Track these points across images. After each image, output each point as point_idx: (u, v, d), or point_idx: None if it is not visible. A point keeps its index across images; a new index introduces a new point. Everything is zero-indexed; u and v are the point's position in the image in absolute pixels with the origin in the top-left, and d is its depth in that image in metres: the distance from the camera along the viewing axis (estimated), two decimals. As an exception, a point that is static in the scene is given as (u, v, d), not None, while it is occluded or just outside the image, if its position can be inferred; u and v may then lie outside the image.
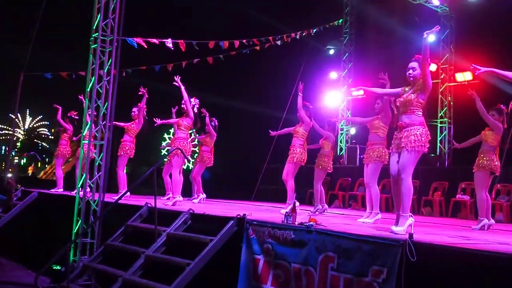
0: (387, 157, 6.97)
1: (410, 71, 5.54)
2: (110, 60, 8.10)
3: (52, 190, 10.88)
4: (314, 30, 15.22)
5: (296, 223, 5.47)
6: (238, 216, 5.91)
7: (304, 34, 14.88)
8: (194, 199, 10.15)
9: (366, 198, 7.36)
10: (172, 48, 10.77)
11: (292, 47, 15.10)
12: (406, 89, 5.60)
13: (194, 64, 12.60)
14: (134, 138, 10.01)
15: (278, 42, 14.01)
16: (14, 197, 8.45)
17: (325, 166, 8.58)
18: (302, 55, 15.44)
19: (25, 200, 10.01)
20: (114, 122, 9.05)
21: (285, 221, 5.54)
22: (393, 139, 5.56)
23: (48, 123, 61.44)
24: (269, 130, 9.41)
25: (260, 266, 5.38)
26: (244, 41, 12.79)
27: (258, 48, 13.50)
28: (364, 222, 6.89)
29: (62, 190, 10.92)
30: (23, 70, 11.29)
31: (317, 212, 8.42)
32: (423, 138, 5.27)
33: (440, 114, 14.46)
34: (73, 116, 11.21)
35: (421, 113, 5.44)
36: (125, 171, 10.11)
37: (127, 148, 9.88)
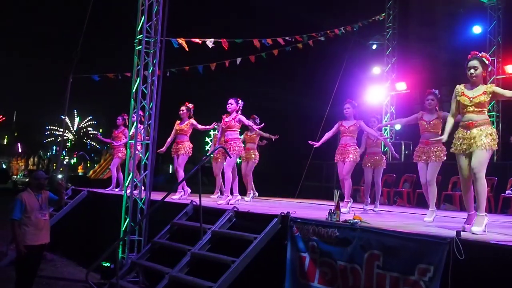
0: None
1: (472, 71, 5.31)
2: (155, 60, 8.27)
3: (108, 189, 11.17)
4: (357, 26, 15.05)
5: (340, 220, 5.46)
6: (282, 214, 5.94)
7: (346, 29, 14.73)
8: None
9: (428, 196, 7.02)
10: (212, 46, 10.81)
11: (334, 43, 14.98)
12: (463, 88, 5.44)
13: (238, 63, 12.62)
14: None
15: (321, 39, 13.91)
16: (65, 196, 8.72)
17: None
18: (344, 51, 15.31)
19: (75, 198, 10.35)
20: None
21: (329, 218, 5.53)
22: (457, 139, 5.39)
23: (95, 122, 63.24)
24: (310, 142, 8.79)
25: (307, 264, 5.40)
26: (287, 38, 12.74)
27: (300, 45, 13.46)
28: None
29: (117, 189, 11.14)
30: (71, 73, 11.57)
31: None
32: (494, 137, 5.26)
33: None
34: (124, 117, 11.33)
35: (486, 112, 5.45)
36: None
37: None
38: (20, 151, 62.00)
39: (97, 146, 60.00)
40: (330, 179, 14.74)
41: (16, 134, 62.52)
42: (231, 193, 8.73)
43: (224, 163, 8.87)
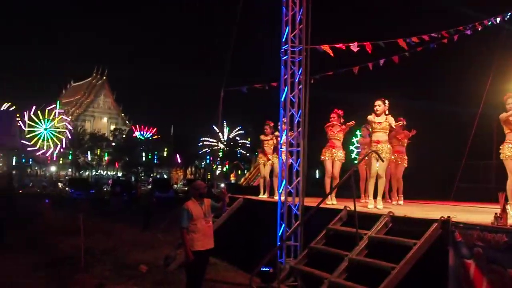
0: None
1: None
2: (301, 69, 8.45)
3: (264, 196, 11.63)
4: (509, 14, 13.96)
5: (508, 225, 5.13)
6: (442, 219, 5.73)
7: (497, 19, 13.72)
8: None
9: None
10: (357, 50, 10.69)
11: (484, 36, 14.02)
12: None
13: (381, 65, 12.38)
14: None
15: (468, 32, 13.12)
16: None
17: None
18: (496, 43, 14.29)
19: (233, 206, 10.89)
20: None
21: (495, 223, 5.23)
22: None
23: (243, 132, 66.08)
24: None
25: (472, 271, 5.16)
26: (432, 35, 12.21)
27: (446, 41, 12.80)
28: None
29: (265, 195, 11.55)
30: (223, 87, 12.23)
31: None
32: None
33: None
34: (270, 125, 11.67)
35: None
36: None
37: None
38: (179, 161, 66.96)
39: (247, 154, 62.56)
40: (489, 179, 13.86)
41: (174, 146, 67.53)
42: (383, 197, 8.59)
43: (377, 168, 8.62)
